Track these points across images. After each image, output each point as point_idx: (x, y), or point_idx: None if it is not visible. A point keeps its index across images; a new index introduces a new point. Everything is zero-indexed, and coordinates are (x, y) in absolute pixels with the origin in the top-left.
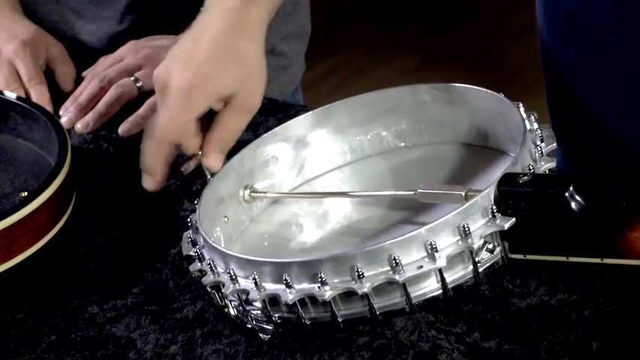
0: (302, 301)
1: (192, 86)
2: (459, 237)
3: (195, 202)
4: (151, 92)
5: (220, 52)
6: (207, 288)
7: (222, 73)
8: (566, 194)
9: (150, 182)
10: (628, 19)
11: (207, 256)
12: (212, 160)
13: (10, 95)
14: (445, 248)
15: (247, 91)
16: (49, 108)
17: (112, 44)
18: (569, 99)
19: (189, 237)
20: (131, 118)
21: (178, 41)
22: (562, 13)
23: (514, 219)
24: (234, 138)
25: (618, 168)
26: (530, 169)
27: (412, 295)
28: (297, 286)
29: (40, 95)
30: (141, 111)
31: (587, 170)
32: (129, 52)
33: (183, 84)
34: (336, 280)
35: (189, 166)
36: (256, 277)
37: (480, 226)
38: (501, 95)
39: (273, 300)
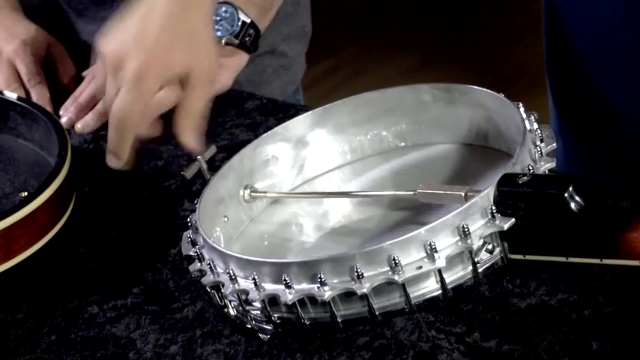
0: (301, 302)
1: (147, 68)
2: (458, 237)
3: (195, 202)
4: None
5: (170, 30)
6: (207, 288)
7: (173, 52)
8: (566, 194)
9: (115, 162)
10: (633, 17)
11: (206, 256)
12: (190, 142)
13: (10, 95)
14: (445, 249)
15: (200, 65)
16: (49, 108)
17: None
18: (573, 94)
19: (189, 237)
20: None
21: (127, 14)
22: (568, 6)
23: (513, 219)
24: (200, 115)
25: (622, 164)
26: (529, 170)
27: (412, 296)
28: (296, 287)
29: (40, 95)
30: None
31: (590, 166)
32: None
33: (138, 66)
34: (335, 281)
35: (189, 170)
36: (256, 277)
37: (479, 227)
38: (501, 95)
39: (273, 300)
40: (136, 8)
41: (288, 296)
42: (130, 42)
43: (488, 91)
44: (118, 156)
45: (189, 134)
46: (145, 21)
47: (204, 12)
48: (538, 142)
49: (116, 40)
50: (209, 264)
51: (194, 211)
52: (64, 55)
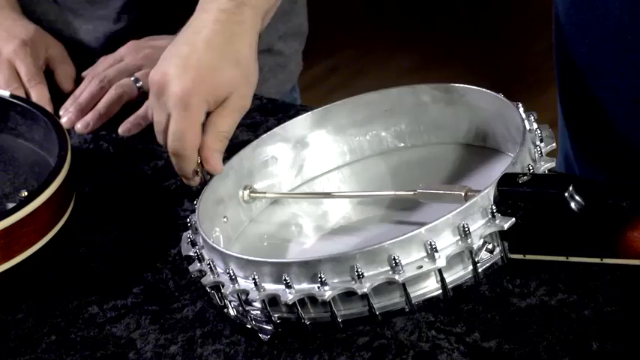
0: (302, 302)
1: (190, 91)
2: (458, 237)
3: (195, 202)
4: None
5: (215, 55)
6: (207, 288)
7: (217, 77)
8: (566, 194)
9: (191, 182)
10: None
11: (206, 257)
12: (214, 163)
13: (7, 94)
14: (445, 248)
15: (240, 92)
16: (49, 108)
17: (110, 44)
18: (581, 92)
19: (189, 237)
20: (131, 118)
21: (172, 43)
22: (579, 2)
23: (514, 219)
24: (228, 138)
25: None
26: (529, 169)
27: (412, 295)
28: (296, 287)
29: (40, 95)
30: (141, 111)
31: (597, 167)
32: (129, 52)
33: (181, 89)
34: (335, 280)
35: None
36: (256, 277)
37: (479, 226)
38: (501, 95)
39: (273, 300)
40: (184, 31)
41: (289, 296)
42: (174, 65)
43: (488, 91)
44: (188, 178)
45: (218, 156)
46: (191, 45)
47: (250, 39)
48: (538, 142)
49: (162, 66)
50: (209, 264)
51: (194, 211)
52: (63, 55)
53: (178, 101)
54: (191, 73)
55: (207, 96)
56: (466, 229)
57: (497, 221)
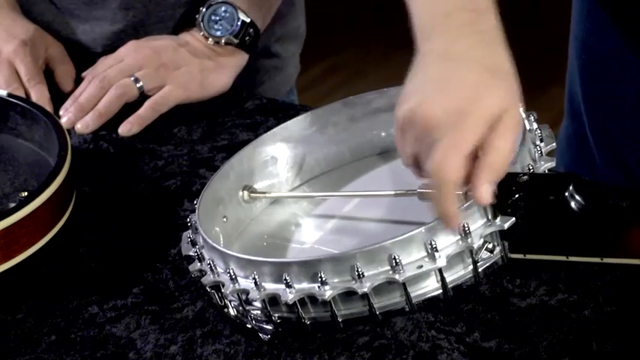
0: (302, 301)
1: (461, 112)
2: (458, 237)
3: (195, 202)
4: (151, 92)
5: (475, 70)
6: (207, 288)
7: (486, 93)
8: (566, 194)
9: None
10: None
11: (206, 256)
12: (483, 192)
13: (4, 93)
14: (445, 248)
15: (514, 106)
16: (49, 108)
17: (107, 44)
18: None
19: (189, 237)
20: (131, 118)
21: (411, 74)
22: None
23: (514, 219)
24: (507, 163)
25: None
26: (529, 169)
27: (412, 295)
28: (297, 286)
29: (40, 95)
30: (141, 111)
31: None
32: (129, 53)
33: (450, 112)
34: (336, 280)
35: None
36: (256, 277)
37: (479, 226)
38: None
39: (273, 300)
40: (420, 61)
41: (289, 296)
42: (429, 91)
43: None
44: (452, 218)
45: (488, 183)
46: (442, 67)
47: (503, 43)
48: (538, 142)
49: (410, 95)
50: (209, 264)
51: (194, 211)
52: (63, 55)
53: (450, 125)
54: (455, 93)
55: (480, 116)
56: (466, 228)
57: (498, 221)
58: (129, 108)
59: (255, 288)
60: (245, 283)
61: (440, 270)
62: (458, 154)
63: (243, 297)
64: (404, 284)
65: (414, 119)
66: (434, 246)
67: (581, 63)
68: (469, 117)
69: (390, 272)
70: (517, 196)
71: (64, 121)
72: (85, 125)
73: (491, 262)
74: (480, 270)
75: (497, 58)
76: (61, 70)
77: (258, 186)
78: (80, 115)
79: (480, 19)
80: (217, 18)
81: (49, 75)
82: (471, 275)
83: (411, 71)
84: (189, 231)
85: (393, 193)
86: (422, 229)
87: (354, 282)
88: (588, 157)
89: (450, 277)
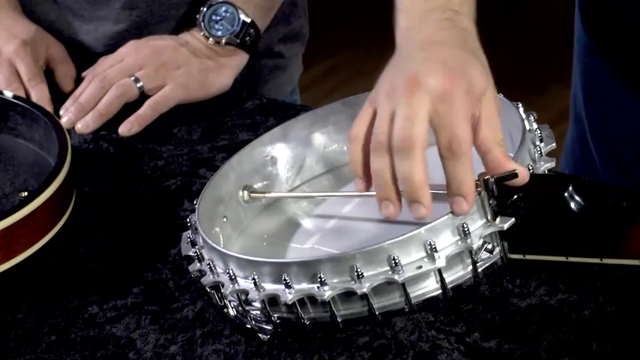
0: (301, 302)
1: (452, 87)
2: (458, 237)
3: (195, 202)
4: (151, 92)
5: (459, 51)
6: (207, 288)
7: (472, 70)
8: (566, 194)
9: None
10: None
11: (206, 257)
12: (500, 155)
13: (10, 95)
14: (444, 248)
15: (493, 91)
16: (49, 108)
17: (110, 44)
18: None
19: (189, 237)
20: (131, 118)
21: (396, 61)
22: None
23: (514, 219)
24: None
25: None
26: (529, 169)
27: (411, 295)
28: (296, 287)
29: (40, 95)
30: (141, 111)
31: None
32: (129, 52)
33: (442, 86)
34: (335, 280)
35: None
36: (256, 277)
37: (479, 226)
38: (500, 95)
39: (273, 300)
40: (406, 45)
41: (288, 296)
42: (426, 65)
43: None
44: (470, 192)
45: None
46: (428, 50)
47: (477, 40)
48: (537, 142)
49: (393, 75)
50: (209, 264)
51: (194, 211)
52: (64, 55)
53: (461, 91)
54: (443, 71)
55: (466, 92)
56: (466, 229)
57: (497, 221)
58: (129, 108)
59: (254, 288)
60: (244, 283)
61: (439, 270)
62: (467, 123)
63: (243, 297)
64: (403, 285)
65: (398, 87)
66: (433, 246)
67: (583, 67)
68: (455, 89)
69: (390, 273)
70: (517, 196)
71: (64, 121)
72: (85, 125)
73: (490, 263)
74: (479, 270)
75: (476, 47)
76: (62, 70)
77: (258, 186)
78: (80, 115)
79: (457, 19)
80: (218, 18)
81: (49, 75)
82: (470, 276)
83: (390, 62)
84: (189, 231)
85: None
86: (421, 229)
87: (353, 282)
88: (590, 162)
89: (450, 278)
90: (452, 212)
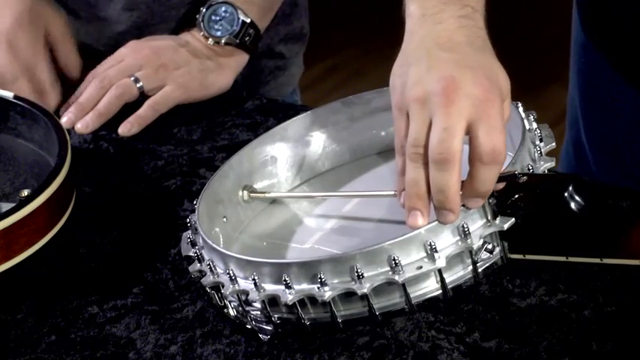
0: (301, 302)
1: (489, 89)
2: (458, 237)
3: (195, 202)
4: (151, 92)
5: (485, 57)
6: (207, 288)
7: (497, 71)
8: (566, 194)
9: (451, 218)
10: None
11: (206, 257)
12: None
13: (10, 95)
14: (444, 248)
15: (508, 86)
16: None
17: (110, 45)
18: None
19: (189, 237)
20: (131, 118)
21: (416, 56)
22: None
23: (513, 219)
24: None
25: None
26: (529, 169)
27: (412, 296)
28: (296, 287)
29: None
30: (141, 111)
31: (612, 155)
32: (129, 53)
33: (481, 90)
34: (335, 281)
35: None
36: (256, 277)
37: (479, 227)
38: None
39: (273, 300)
40: (423, 44)
41: (288, 297)
42: (449, 69)
43: None
44: (456, 207)
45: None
46: (450, 50)
47: (489, 42)
48: (537, 142)
49: (418, 78)
50: (209, 264)
51: (194, 211)
52: (65, 32)
53: (500, 98)
54: (476, 71)
55: (505, 88)
56: (466, 229)
57: (497, 221)
58: (129, 108)
59: (254, 289)
60: (245, 283)
61: (439, 270)
62: (504, 130)
63: (243, 298)
64: (403, 285)
65: (434, 93)
66: (433, 247)
67: (580, 66)
68: (502, 98)
69: (390, 273)
70: (516, 196)
71: (64, 120)
72: (85, 125)
73: (490, 263)
74: (479, 270)
75: (491, 48)
76: (62, 51)
77: (258, 186)
78: (80, 114)
79: (474, 17)
80: (217, 18)
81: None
82: (470, 276)
83: (406, 51)
84: (189, 231)
85: (393, 193)
86: (421, 229)
87: (353, 283)
88: (584, 164)
89: (450, 278)
90: (467, 210)
